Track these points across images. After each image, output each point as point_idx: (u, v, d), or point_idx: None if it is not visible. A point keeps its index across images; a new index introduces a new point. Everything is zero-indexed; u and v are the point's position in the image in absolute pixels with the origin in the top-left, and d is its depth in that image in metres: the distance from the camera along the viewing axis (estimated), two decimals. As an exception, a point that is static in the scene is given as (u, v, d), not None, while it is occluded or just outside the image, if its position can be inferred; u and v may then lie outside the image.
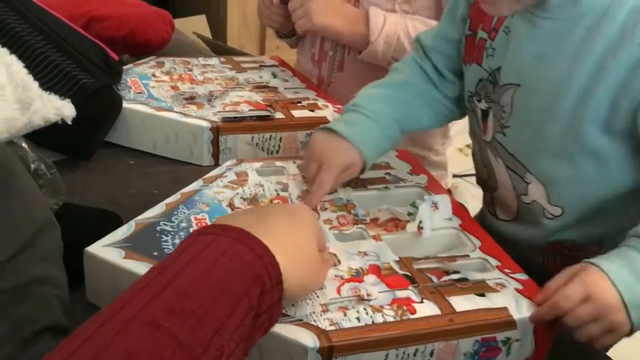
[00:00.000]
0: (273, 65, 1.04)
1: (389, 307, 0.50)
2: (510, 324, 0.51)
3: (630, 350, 0.76)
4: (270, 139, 0.82)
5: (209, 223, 0.59)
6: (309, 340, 0.45)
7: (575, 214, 0.65)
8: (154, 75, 0.93)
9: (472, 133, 0.75)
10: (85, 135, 0.76)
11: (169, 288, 0.36)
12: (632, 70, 0.57)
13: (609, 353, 0.63)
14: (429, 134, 1.04)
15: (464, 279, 0.54)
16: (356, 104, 0.71)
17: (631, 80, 0.57)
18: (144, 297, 0.35)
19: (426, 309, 0.50)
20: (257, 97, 0.88)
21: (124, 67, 0.92)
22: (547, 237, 0.68)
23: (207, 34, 2.16)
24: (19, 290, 0.44)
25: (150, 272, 0.38)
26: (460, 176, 2.36)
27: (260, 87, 0.93)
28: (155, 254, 0.54)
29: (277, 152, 0.83)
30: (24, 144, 0.60)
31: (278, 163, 0.72)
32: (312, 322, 0.47)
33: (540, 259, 0.71)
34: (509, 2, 0.59)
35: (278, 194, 0.65)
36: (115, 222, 0.61)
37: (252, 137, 0.81)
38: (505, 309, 0.51)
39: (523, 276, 0.56)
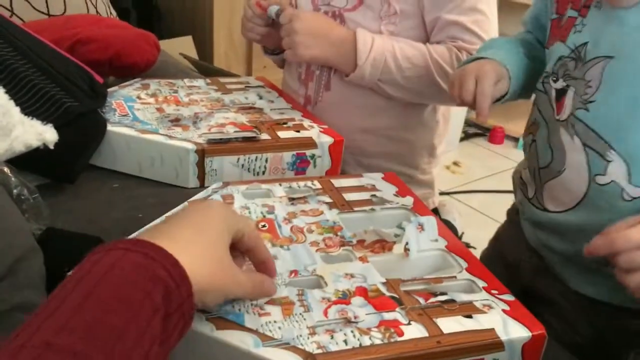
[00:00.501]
0: (259, 86, 1.04)
1: (376, 329, 0.49)
2: (498, 345, 0.50)
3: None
4: (256, 160, 0.82)
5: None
6: (295, 364, 0.45)
7: None
8: (139, 98, 0.92)
9: (540, 116, 0.74)
10: (69, 159, 0.76)
11: (59, 309, 0.34)
12: None
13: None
14: (416, 153, 1.05)
15: (451, 301, 0.54)
16: (487, 45, 0.82)
17: None
18: (34, 323, 0.34)
19: (414, 331, 0.50)
20: (243, 119, 0.88)
21: (109, 90, 0.92)
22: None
23: (194, 54, 2.16)
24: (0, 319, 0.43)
25: (44, 301, 0.37)
26: (448, 193, 2.37)
27: (245, 109, 0.93)
28: (140, 279, 0.53)
29: (263, 173, 0.83)
30: (5, 169, 0.59)
31: (264, 186, 0.71)
32: (299, 346, 0.47)
33: None
34: None
35: (264, 217, 0.65)
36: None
37: (238, 159, 0.81)
38: (492, 330, 0.51)
39: (510, 297, 0.55)
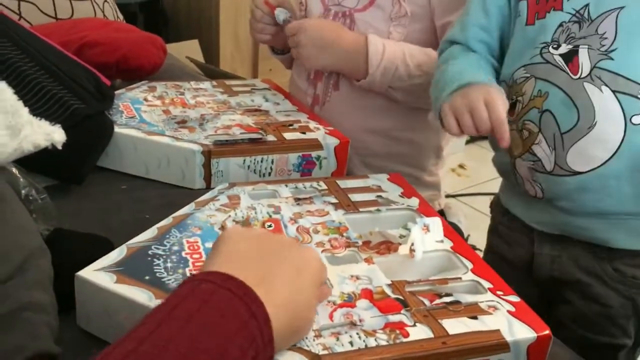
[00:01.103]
0: (265, 89, 1.04)
1: (381, 331, 0.49)
2: (503, 346, 0.50)
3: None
4: (262, 161, 0.82)
5: (201, 246, 0.59)
6: (301, 365, 0.45)
7: None
8: (145, 100, 0.93)
9: (548, 84, 0.73)
10: (77, 160, 0.76)
11: (169, 349, 0.35)
12: None
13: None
14: (422, 154, 1.05)
15: (457, 302, 0.54)
16: (459, 70, 0.79)
17: None
18: (142, 355, 0.35)
19: (419, 332, 0.50)
20: (249, 121, 0.89)
21: (116, 92, 0.93)
22: None
23: (200, 58, 2.17)
24: (7, 318, 0.44)
25: (148, 319, 0.38)
26: (454, 196, 2.37)
27: (252, 111, 0.93)
28: (147, 278, 0.53)
29: (269, 174, 0.83)
30: (14, 170, 0.60)
31: (270, 186, 0.72)
32: (305, 347, 0.47)
33: None
34: None
35: (270, 217, 0.65)
36: (106, 247, 0.60)
37: (244, 160, 0.81)
38: (497, 331, 0.51)
39: (515, 298, 0.55)
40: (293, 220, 0.65)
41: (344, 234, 0.63)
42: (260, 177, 0.83)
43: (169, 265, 0.55)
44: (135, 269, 0.54)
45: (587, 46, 0.70)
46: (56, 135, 0.46)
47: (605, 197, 0.73)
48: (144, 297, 0.51)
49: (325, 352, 0.47)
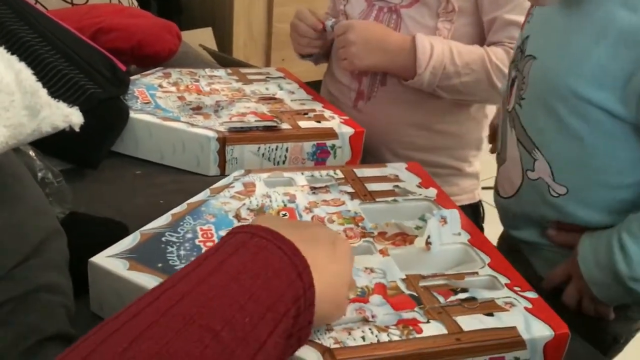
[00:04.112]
0: (279, 77, 1.04)
1: (394, 327, 0.49)
2: (520, 343, 0.50)
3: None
4: (276, 149, 0.82)
5: (214, 234, 0.58)
6: (313, 357, 0.45)
7: (580, 195, 0.65)
8: (160, 86, 0.93)
9: (503, 105, 0.75)
10: (92, 144, 0.76)
11: (223, 295, 0.36)
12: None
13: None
14: (465, 146, 1.04)
15: (472, 298, 0.53)
16: None
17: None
18: (195, 297, 0.35)
19: (433, 328, 0.49)
20: (264, 109, 0.88)
21: (132, 78, 0.92)
22: (550, 216, 0.68)
23: (213, 46, 2.17)
24: (25, 298, 0.43)
25: (205, 264, 0.38)
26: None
27: (266, 99, 0.92)
28: (160, 265, 0.53)
29: (284, 162, 0.83)
30: (31, 152, 0.60)
31: (286, 174, 0.71)
32: (317, 340, 0.46)
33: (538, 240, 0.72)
34: None
35: (285, 205, 0.65)
36: (121, 232, 0.60)
37: (259, 148, 0.81)
38: (514, 328, 0.50)
39: (533, 294, 0.55)
40: (308, 210, 0.64)
41: (360, 224, 0.63)
42: (274, 164, 0.82)
43: (182, 253, 0.55)
44: (149, 256, 0.54)
45: (517, 82, 0.67)
46: (74, 117, 0.45)
47: (519, 225, 0.73)
48: (156, 284, 0.51)
49: (337, 345, 0.46)
